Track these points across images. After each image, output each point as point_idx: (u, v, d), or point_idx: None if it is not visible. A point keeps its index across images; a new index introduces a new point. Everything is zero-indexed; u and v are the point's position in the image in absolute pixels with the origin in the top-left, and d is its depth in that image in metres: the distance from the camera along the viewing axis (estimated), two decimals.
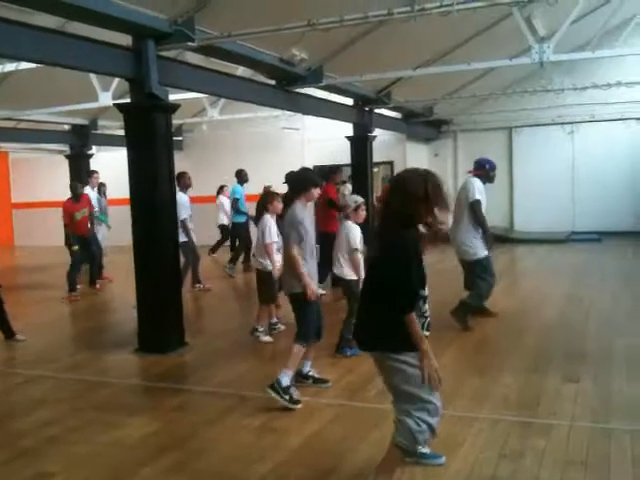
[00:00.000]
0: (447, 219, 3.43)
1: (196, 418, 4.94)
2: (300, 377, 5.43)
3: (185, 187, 9.96)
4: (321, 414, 4.85)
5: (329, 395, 5.25)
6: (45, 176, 18.88)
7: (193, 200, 10.30)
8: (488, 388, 5.25)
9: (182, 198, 9.61)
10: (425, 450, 3.86)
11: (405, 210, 3.29)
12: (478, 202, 7.28)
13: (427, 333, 3.38)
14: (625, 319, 7.47)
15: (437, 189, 3.30)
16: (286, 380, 4.99)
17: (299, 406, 4.95)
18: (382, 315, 3.32)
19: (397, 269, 3.25)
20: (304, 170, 5.48)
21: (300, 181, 5.33)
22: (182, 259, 8.73)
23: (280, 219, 6.67)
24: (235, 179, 12.71)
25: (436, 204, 3.29)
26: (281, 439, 4.39)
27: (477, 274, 7.39)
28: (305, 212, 5.21)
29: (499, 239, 14.85)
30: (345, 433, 4.47)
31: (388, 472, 3.45)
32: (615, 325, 7.21)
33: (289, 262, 5.16)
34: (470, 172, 7.68)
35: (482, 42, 10.48)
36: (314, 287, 5.14)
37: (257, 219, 7.19)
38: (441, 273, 10.06)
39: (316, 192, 5.30)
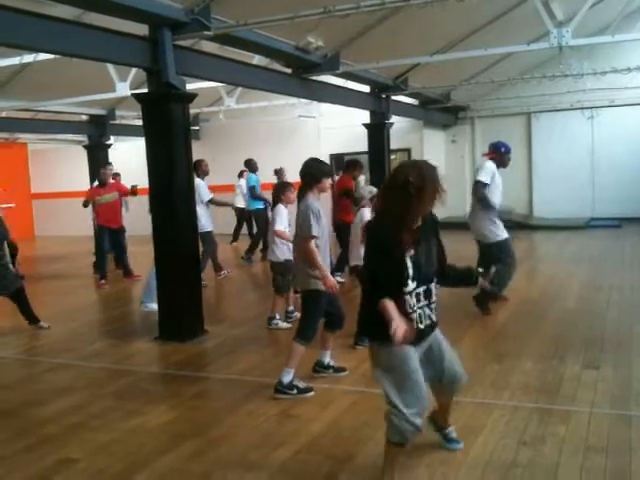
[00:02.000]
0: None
1: (216, 405, 4.99)
2: (321, 368, 5.46)
3: (203, 174, 10.06)
4: (340, 401, 4.87)
5: (347, 382, 5.27)
6: (64, 166, 19.04)
7: (210, 189, 10.34)
8: (507, 375, 5.24)
9: (199, 182, 9.75)
10: (452, 434, 3.93)
11: (383, 204, 3.36)
12: (481, 183, 7.21)
13: (421, 326, 3.33)
14: None
15: (423, 182, 3.17)
16: (287, 378, 4.99)
17: (312, 393, 5.00)
18: (364, 304, 3.39)
19: (368, 259, 3.37)
20: (314, 160, 5.41)
21: (311, 172, 5.25)
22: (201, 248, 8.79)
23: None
24: (246, 169, 12.87)
25: (421, 199, 3.18)
26: (301, 426, 4.42)
27: (496, 256, 7.25)
28: (318, 203, 5.16)
29: (518, 225, 14.81)
30: (364, 420, 4.48)
31: (389, 469, 3.44)
32: (635, 311, 7.14)
33: (305, 254, 5.03)
34: (485, 155, 7.63)
35: (500, 27, 10.38)
36: (332, 279, 5.07)
37: (272, 208, 7.22)
38: (458, 260, 10.03)
39: (328, 182, 5.24)
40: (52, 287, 10.84)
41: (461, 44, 10.49)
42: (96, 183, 11.01)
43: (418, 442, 3.79)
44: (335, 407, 4.75)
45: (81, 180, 15.91)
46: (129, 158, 15.51)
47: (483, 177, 7.23)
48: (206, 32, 6.59)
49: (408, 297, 3.26)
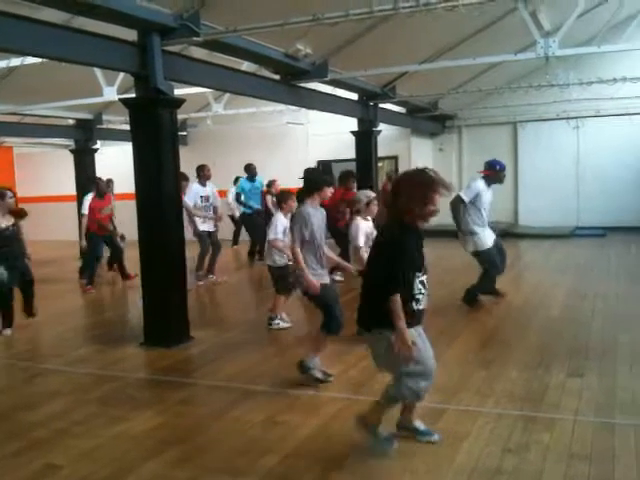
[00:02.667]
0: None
1: (202, 412, 4.97)
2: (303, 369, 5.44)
3: (205, 179, 10.27)
4: (327, 408, 4.87)
5: (334, 389, 5.26)
6: (50, 171, 18.93)
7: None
8: (493, 382, 5.26)
9: (193, 187, 10.25)
10: (420, 426, 4.12)
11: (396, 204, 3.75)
12: (459, 198, 7.67)
13: (421, 307, 3.86)
14: (630, 314, 7.46)
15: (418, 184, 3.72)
16: (310, 363, 5.32)
17: (331, 379, 5.32)
18: (373, 298, 3.81)
19: (390, 260, 3.69)
20: (316, 170, 5.70)
21: (314, 181, 5.48)
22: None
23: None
24: (245, 174, 12.89)
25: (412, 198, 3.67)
26: (287, 432, 4.41)
27: (486, 262, 7.81)
28: (315, 210, 5.38)
29: (503, 234, 14.89)
30: (351, 426, 4.48)
31: (372, 422, 3.96)
32: (620, 320, 7.20)
33: (293, 257, 5.39)
34: (480, 172, 7.88)
35: (488, 37, 10.46)
36: (313, 282, 5.26)
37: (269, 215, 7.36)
38: (448, 270, 10.09)
39: (329, 191, 5.49)
40: (40, 291, 10.75)
41: (449, 53, 10.56)
42: (91, 195, 10.85)
43: (402, 449, 3.81)
44: (322, 414, 4.74)
45: (67, 184, 15.84)
46: (116, 162, 15.42)
47: (463, 194, 7.74)
48: (195, 38, 6.58)
49: (418, 283, 3.78)
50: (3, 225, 7.55)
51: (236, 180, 14.01)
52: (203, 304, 9.66)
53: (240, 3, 6.95)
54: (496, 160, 8.06)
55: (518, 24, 8.34)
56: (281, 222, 6.98)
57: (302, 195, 5.52)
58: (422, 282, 3.81)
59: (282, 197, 7.24)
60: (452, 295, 8.22)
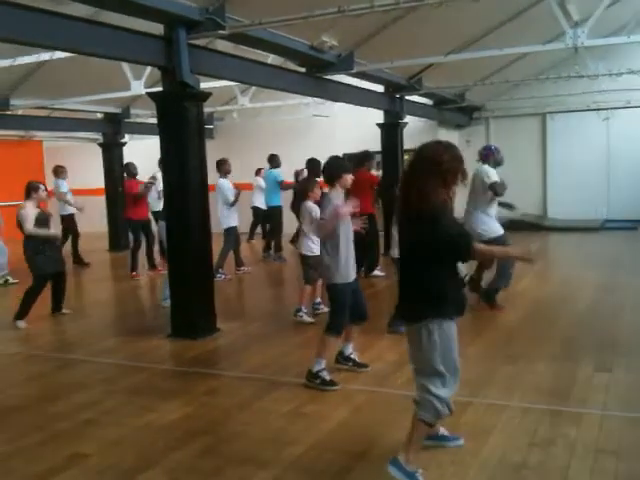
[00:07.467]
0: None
1: (227, 403, 5.01)
2: (342, 360, 5.52)
3: (225, 173, 10.36)
4: (351, 400, 4.88)
5: (359, 381, 5.28)
6: (79, 164, 19.11)
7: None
8: (519, 376, 5.23)
9: (225, 184, 10.26)
10: (445, 432, 3.96)
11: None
12: (496, 183, 7.44)
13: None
14: None
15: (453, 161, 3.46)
16: (316, 367, 5.10)
17: (336, 387, 5.05)
18: (425, 285, 3.47)
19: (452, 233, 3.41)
20: (334, 158, 5.57)
21: (331, 169, 5.38)
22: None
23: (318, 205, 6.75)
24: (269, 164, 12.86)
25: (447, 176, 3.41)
26: (312, 424, 4.43)
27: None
28: (340, 198, 5.28)
29: (532, 226, 14.75)
30: (375, 418, 4.50)
31: (415, 447, 3.50)
32: None
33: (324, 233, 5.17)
34: (479, 160, 7.77)
35: (515, 27, 10.32)
36: (343, 209, 5.10)
37: (295, 205, 7.30)
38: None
39: (349, 178, 5.34)
40: (69, 283, 10.96)
41: (476, 44, 10.45)
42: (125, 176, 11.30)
43: (427, 443, 3.79)
44: (347, 405, 4.76)
45: (95, 178, 16.02)
46: (143, 156, 15.54)
47: (494, 177, 7.47)
48: (221, 31, 6.61)
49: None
50: (39, 216, 7.79)
51: (258, 172, 13.96)
52: (232, 295, 9.72)
53: None
54: (486, 145, 8.13)
55: (546, 14, 8.24)
56: (314, 209, 6.88)
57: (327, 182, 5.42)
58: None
59: (308, 186, 7.19)
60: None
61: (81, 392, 5.34)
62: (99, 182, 15.69)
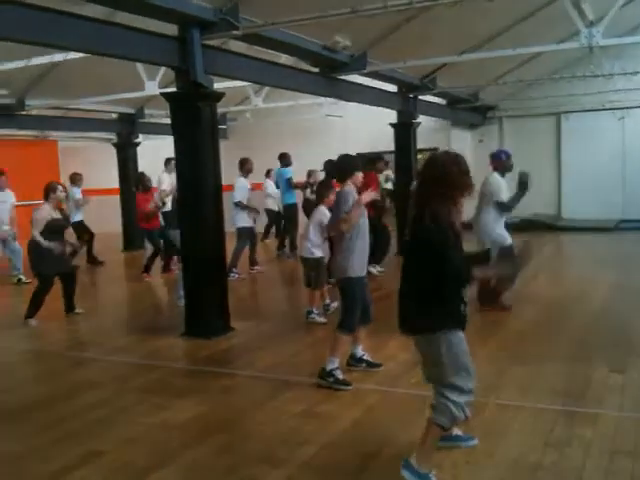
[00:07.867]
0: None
1: (241, 402, 5.03)
2: (354, 362, 5.52)
3: (247, 172, 10.47)
4: (364, 400, 4.88)
5: (372, 381, 5.28)
6: (94, 164, 19.22)
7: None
8: (533, 377, 5.21)
9: (240, 182, 10.36)
10: (458, 432, 3.94)
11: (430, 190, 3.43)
12: (502, 204, 7.35)
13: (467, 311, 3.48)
14: None
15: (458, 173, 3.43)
16: (330, 366, 5.10)
17: (350, 387, 5.05)
18: (431, 300, 3.41)
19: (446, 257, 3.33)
20: (344, 156, 5.57)
21: (345, 166, 5.41)
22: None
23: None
24: (279, 162, 12.88)
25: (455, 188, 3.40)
26: (325, 423, 4.44)
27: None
28: (354, 195, 5.25)
29: (546, 226, 14.68)
30: (388, 418, 4.49)
31: (429, 450, 3.49)
32: None
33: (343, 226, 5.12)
34: (489, 165, 7.69)
35: (529, 26, 10.26)
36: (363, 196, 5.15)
37: (307, 208, 7.30)
38: None
39: (360, 175, 5.39)
40: (83, 282, 11.02)
41: (490, 43, 10.41)
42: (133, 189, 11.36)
43: (442, 444, 3.78)
44: (360, 405, 4.76)
45: (110, 178, 16.10)
46: (157, 156, 15.60)
47: (502, 196, 7.36)
48: (234, 32, 6.62)
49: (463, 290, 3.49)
50: (56, 216, 7.85)
51: (268, 173, 13.92)
52: (245, 294, 9.74)
53: None
54: (500, 150, 7.98)
55: (560, 13, 8.18)
56: (327, 217, 6.80)
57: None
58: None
59: (324, 191, 7.17)
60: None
61: (94, 390, 5.38)
62: (114, 182, 15.76)
